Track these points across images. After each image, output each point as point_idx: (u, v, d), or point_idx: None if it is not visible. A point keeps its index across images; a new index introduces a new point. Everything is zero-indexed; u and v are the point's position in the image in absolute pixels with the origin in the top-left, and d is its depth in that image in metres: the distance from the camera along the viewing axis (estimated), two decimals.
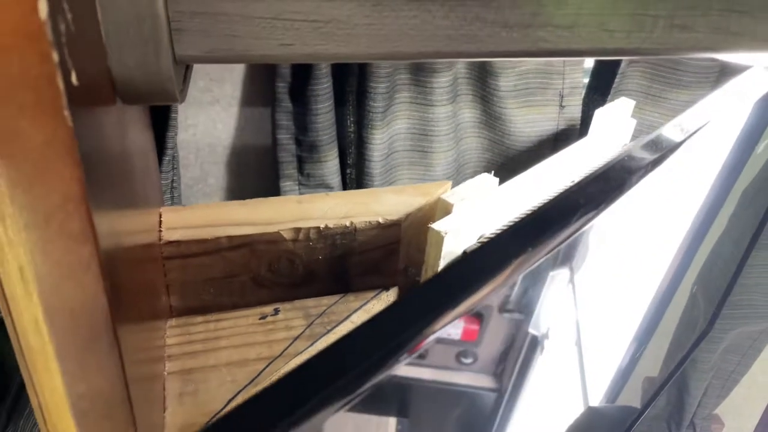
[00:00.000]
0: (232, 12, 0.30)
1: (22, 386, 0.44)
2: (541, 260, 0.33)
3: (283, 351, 0.44)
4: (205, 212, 0.44)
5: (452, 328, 0.27)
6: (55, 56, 0.18)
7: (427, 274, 0.45)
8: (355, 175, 0.71)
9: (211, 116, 0.69)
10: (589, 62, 0.75)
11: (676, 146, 0.40)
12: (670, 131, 0.41)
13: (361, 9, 0.30)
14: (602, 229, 0.56)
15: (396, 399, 0.34)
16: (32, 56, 0.18)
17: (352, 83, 0.66)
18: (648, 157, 0.38)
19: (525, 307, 0.42)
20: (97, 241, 0.22)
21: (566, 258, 0.54)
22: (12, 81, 0.18)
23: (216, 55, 0.31)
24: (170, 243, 0.42)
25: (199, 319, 0.44)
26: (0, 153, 0.19)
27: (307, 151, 0.67)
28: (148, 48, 0.29)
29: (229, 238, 0.43)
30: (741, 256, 0.86)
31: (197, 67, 0.66)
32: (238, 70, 0.68)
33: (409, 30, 0.31)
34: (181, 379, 0.40)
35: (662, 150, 0.39)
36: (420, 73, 0.67)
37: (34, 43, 0.18)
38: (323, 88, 0.64)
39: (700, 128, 0.43)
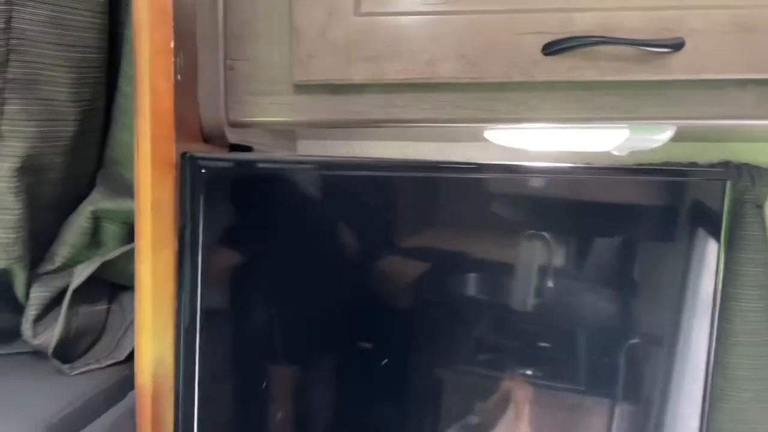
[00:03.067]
0: (252, 102, 0.69)
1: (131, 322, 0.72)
2: None
3: None
4: None
5: None
6: (173, 60, 0.58)
7: None
8: None
9: None
10: None
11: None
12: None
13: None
14: None
15: None
16: (168, 61, 0.58)
17: None
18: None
19: None
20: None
21: None
22: (161, 68, 0.58)
23: (242, 120, 0.69)
24: None
25: None
26: (153, 88, 0.58)
27: None
28: (218, 113, 0.67)
29: None
30: None
31: None
32: None
33: (366, 112, 0.68)
34: None
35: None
36: None
37: (169, 56, 0.58)
38: None
39: None
